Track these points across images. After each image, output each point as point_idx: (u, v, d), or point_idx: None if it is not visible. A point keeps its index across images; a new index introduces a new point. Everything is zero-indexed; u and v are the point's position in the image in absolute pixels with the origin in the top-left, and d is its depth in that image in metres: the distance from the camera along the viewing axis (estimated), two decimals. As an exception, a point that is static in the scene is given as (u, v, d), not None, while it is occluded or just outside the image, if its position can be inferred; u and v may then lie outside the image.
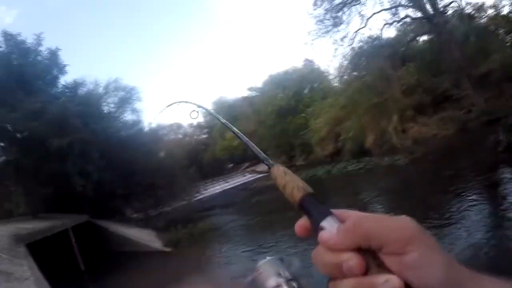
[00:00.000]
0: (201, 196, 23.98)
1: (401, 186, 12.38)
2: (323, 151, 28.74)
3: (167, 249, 12.52)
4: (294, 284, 0.91)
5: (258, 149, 0.62)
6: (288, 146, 36.90)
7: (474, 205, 7.40)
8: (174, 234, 13.21)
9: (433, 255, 0.39)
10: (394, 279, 0.38)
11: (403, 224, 0.41)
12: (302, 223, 0.46)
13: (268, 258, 0.97)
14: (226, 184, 35.07)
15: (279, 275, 0.91)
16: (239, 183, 34.06)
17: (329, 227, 0.42)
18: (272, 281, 0.89)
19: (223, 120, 0.80)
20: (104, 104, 21.36)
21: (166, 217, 16.66)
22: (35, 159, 13.32)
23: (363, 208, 10.72)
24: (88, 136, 15.10)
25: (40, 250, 9.24)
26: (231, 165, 50.45)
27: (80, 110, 15.02)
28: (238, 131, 0.70)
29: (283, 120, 35.65)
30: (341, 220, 0.43)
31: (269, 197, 18.77)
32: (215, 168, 47.34)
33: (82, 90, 18.89)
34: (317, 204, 0.46)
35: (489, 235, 6.02)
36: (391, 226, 0.41)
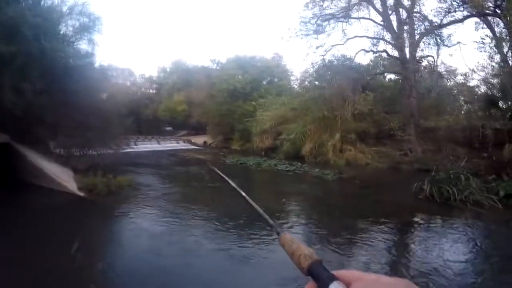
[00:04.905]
0: (129, 150, 23.50)
1: (321, 198, 13.26)
2: (260, 143, 29.43)
3: (81, 193, 12.14)
4: None
5: (267, 216, 0.67)
6: (228, 128, 37.26)
7: (376, 238, 7.70)
8: (91, 180, 12.81)
9: None
10: None
11: None
12: (310, 287, 0.51)
13: None
14: (158, 145, 34.73)
15: None
16: (170, 148, 33.93)
17: None
18: None
19: (233, 184, 0.86)
20: (63, 24, 19.90)
21: (89, 161, 16.01)
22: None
23: (275, 204, 11.24)
24: (35, 51, 13.98)
25: None
26: (169, 128, 49.61)
27: (37, 22, 13.85)
28: (247, 196, 0.77)
29: (233, 101, 35.98)
30: (345, 283, 0.48)
31: (195, 170, 19.02)
32: (152, 126, 46.25)
33: (45, 2, 17.42)
34: (323, 270, 0.51)
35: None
36: None
